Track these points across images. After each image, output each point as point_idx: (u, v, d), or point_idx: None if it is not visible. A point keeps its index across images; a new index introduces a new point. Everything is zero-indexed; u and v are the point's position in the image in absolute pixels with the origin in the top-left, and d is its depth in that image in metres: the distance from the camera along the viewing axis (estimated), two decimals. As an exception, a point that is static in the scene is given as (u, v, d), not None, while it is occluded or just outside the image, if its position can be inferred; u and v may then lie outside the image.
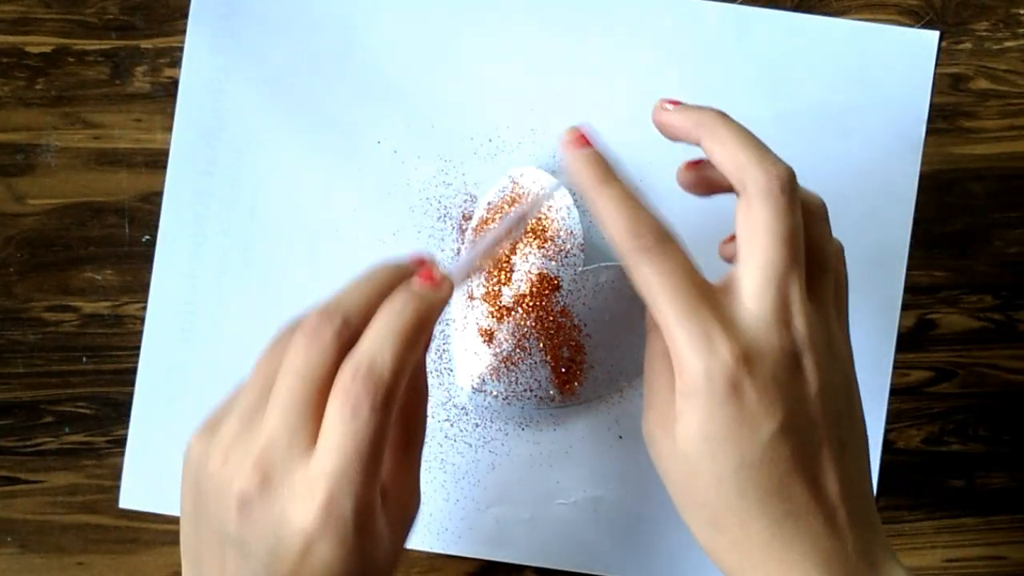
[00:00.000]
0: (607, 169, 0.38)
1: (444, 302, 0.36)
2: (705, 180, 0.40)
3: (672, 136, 0.40)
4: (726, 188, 0.39)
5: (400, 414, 0.38)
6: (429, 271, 0.36)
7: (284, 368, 0.34)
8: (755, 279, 0.36)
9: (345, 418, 0.32)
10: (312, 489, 0.32)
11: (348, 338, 0.34)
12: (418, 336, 0.35)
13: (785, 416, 0.35)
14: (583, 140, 0.39)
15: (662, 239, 0.36)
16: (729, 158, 0.37)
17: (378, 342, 0.34)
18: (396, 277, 0.36)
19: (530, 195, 0.50)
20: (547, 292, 0.49)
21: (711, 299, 0.36)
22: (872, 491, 0.39)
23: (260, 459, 0.33)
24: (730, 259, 0.41)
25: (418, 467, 0.38)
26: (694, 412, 0.35)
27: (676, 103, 0.40)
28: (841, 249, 0.41)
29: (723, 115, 0.39)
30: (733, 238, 0.39)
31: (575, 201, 0.50)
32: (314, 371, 0.33)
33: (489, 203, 0.51)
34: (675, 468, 0.36)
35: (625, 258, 0.36)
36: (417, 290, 0.35)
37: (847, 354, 0.39)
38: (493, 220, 0.50)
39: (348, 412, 0.32)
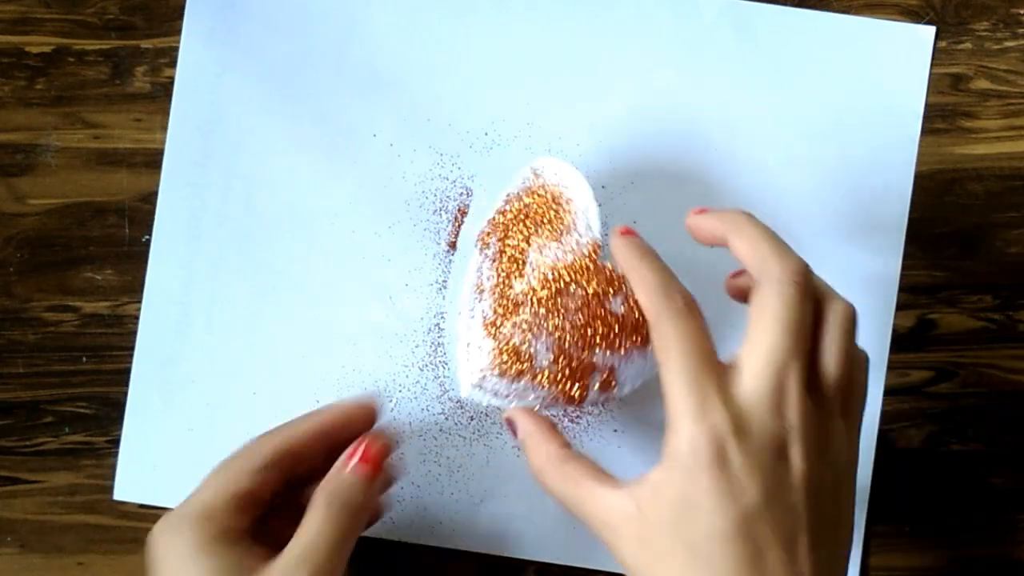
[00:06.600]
0: (648, 249, 0.42)
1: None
2: (741, 290, 0.43)
3: (703, 238, 0.43)
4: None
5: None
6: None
7: None
8: (756, 361, 0.37)
9: None
10: None
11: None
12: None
13: (766, 492, 0.36)
14: (630, 231, 0.43)
15: (690, 305, 0.39)
16: (751, 251, 0.40)
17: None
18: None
19: None
20: (560, 289, 0.46)
21: (716, 371, 0.38)
22: None
23: None
24: (733, 294, 0.44)
25: None
26: (678, 474, 0.37)
27: (704, 209, 0.43)
28: (865, 359, 0.41)
29: (748, 215, 0.41)
30: (741, 272, 0.42)
31: (594, 195, 0.48)
32: None
33: (508, 194, 0.49)
34: (640, 534, 0.37)
35: (652, 316, 0.39)
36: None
37: (846, 459, 0.39)
38: (510, 212, 0.49)
39: None
